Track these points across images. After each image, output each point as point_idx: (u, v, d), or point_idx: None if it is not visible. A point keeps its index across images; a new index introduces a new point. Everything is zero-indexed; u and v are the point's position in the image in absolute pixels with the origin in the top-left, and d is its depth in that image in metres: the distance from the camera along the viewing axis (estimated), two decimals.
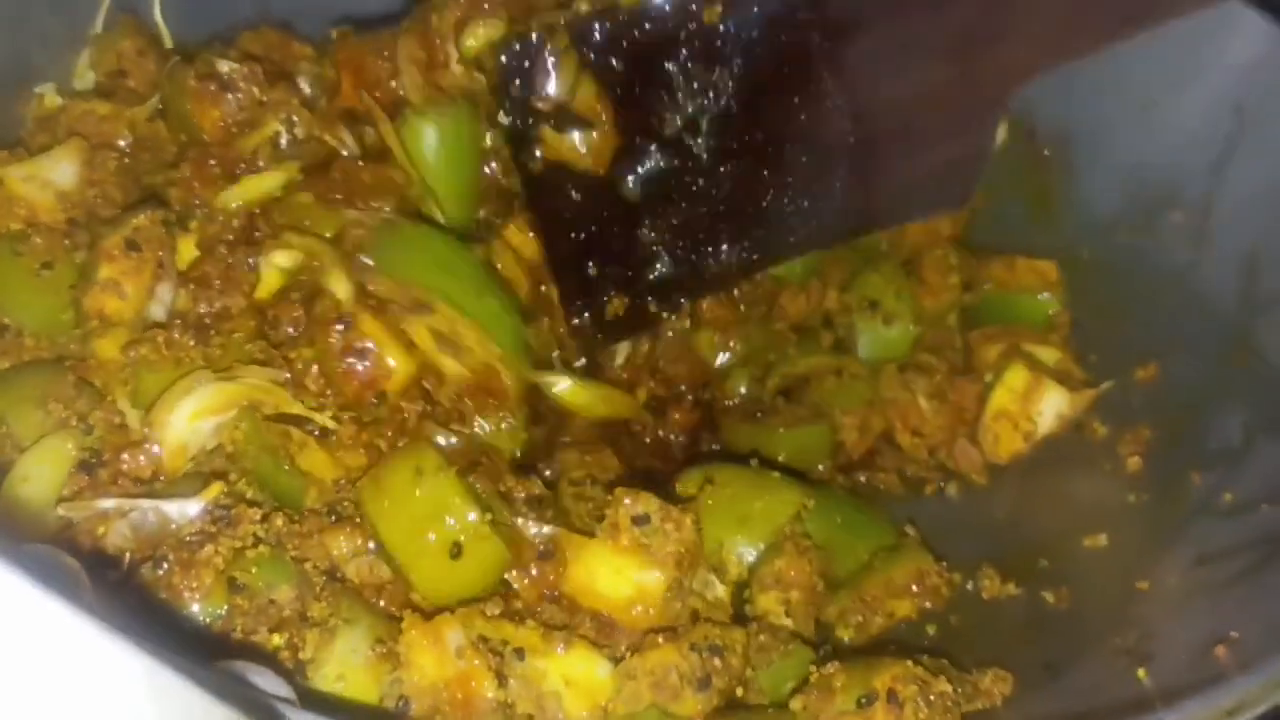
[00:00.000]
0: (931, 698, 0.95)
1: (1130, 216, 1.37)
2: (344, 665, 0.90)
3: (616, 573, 1.00)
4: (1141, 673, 0.99)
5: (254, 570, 0.92)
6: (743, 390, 1.35)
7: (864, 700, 0.94)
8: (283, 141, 1.19)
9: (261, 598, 0.91)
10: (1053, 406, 1.28)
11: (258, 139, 1.16)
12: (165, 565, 0.90)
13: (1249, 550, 1.05)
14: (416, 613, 0.93)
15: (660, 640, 0.96)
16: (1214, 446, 1.18)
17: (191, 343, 1.03)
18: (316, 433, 1.04)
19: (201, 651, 0.83)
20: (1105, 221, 1.39)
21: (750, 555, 1.09)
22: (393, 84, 1.25)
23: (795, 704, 0.98)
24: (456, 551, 0.97)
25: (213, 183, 1.13)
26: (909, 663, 0.97)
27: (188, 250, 1.13)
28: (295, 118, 1.20)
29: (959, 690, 0.98)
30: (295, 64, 1.33)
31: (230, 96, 1.19)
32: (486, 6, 1.22)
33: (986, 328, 1.39)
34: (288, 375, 1.04)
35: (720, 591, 1.09)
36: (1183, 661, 0.98)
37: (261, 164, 1.14)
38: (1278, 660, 0.85)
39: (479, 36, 1.22)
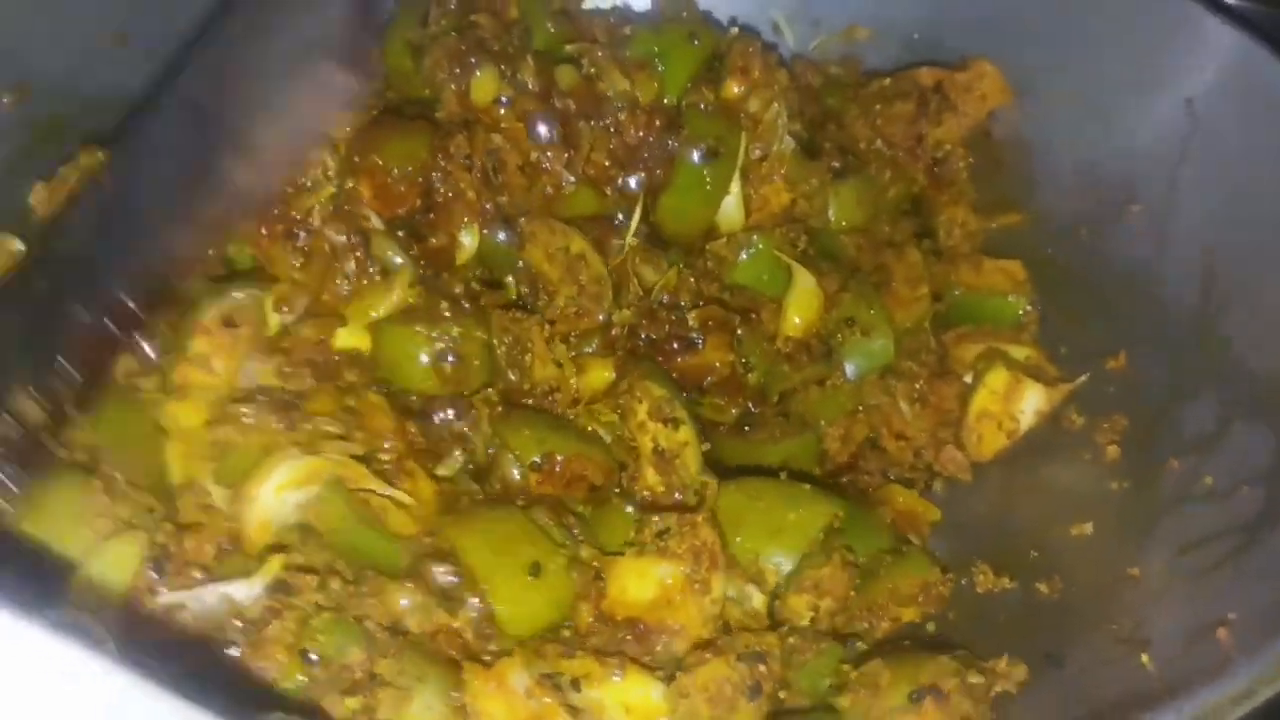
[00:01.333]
0: (970, 686, 1.00)
1: (1091, 216, 1.40)
2: None
3: (641, 577, 1.05)
4: (1145, 658, 1.02)
5: (321, 638, 0.92)
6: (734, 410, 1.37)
7: (915, 695, 0.99)
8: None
9: (334, 664, 0.92)
10: (1032, 404, 1.32)
11: (314, 200, 1.18)
12: (237, 648, 0.90)
13: (1233, 534, 1.08)
14: (474, 662, 0.94)
15: (707, 656, 1.00)
16: (1190, 432, 1.20)
17: (274, 421, 1.04)
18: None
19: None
20: (1067, 221, 1.43)
21: (786, 565, 1.13)
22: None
23: (843, 701, 1.02)
24: (536, 570, 1.02)
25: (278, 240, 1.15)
26: (944, 658, 1.02)
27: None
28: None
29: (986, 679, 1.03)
30: None
31: None
32: (473, 60, 1.24)
33: (960, 329, 1.42)
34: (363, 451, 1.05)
35: (757, 602, 1.13)
36: (1180, 646, 1.01)
37: (316, 223, 1.16)
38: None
39: (485, 86, 1.24)
